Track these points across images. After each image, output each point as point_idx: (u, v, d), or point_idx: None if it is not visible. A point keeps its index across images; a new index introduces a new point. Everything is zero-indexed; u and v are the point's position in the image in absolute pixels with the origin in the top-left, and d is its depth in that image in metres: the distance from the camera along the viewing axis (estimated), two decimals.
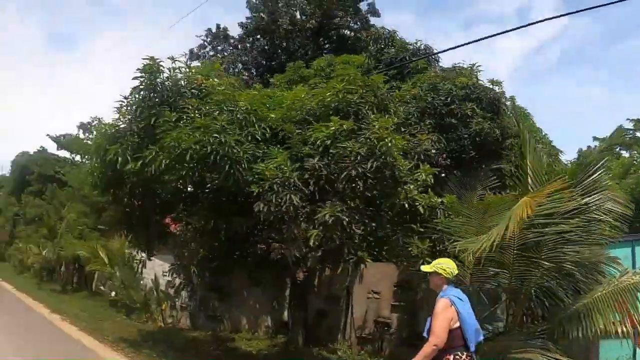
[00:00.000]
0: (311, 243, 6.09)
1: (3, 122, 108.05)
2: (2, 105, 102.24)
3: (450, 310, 3.60)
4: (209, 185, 6.89)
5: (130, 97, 7.44)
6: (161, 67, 7.26)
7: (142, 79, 7.19)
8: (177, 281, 11.83)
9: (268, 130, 6.84)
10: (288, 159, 6.33)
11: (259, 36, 19.68)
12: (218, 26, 20.05)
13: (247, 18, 19.48)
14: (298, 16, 18.89)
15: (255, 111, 6.85)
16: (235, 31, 19.97)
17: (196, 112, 6.72)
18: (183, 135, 6.20)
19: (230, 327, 11.30)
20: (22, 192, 34.27)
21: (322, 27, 18.83)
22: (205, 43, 20.00)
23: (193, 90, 7.29)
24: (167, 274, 11.89)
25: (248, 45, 19.80)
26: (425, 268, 3.99)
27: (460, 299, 3.71)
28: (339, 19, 18.48)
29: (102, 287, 17.37)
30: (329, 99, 6.83)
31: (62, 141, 33.42)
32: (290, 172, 6.12)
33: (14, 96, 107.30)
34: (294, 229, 6.21)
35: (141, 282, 13.91)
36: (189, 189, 7.62)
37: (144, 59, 7.20)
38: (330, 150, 6.24)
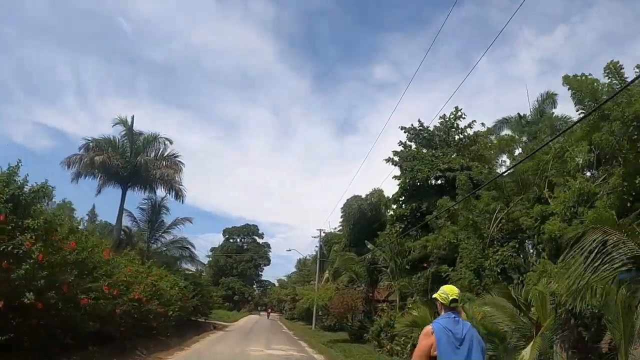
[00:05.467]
0: None
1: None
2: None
3: (429, 339, 3.40)
4: None
5: None
6: None
7: None
8: None
9: None
10: None
11: None
12: None
13: None
14: None
15: None
16: None
17: None
18: None
19: None
20: (367, 239, 24.44)
21: None
22: None
23: None
24: None
25: None
26: (435, 295, 3.76)
27: (448, 327, 3.42)
28: None
29: None
30: None
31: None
32: None
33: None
34: None
35: None
36: None
37: None
38: None
